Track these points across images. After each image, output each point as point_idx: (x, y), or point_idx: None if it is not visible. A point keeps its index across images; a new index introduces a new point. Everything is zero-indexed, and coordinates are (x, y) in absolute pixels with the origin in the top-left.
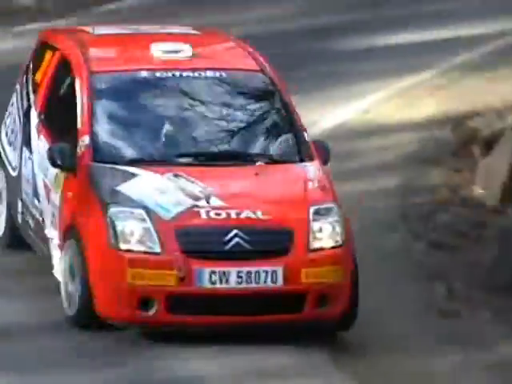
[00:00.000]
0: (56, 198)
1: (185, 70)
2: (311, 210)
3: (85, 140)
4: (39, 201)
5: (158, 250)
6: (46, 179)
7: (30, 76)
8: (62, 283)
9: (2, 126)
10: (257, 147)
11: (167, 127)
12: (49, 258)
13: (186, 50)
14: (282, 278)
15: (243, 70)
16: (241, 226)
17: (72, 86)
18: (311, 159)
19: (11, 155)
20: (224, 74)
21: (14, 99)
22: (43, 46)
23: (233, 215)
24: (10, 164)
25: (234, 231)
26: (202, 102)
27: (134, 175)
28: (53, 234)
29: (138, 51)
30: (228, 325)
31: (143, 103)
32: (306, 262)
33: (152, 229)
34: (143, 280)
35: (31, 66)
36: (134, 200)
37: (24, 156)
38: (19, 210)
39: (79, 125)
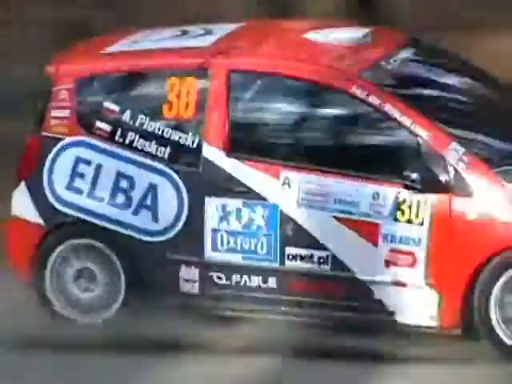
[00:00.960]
0: (415, 229)
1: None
2: None
3: (456, 149)
4: (321, 248)
5: None
6: (354, 216)
7: (132, 119)
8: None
9: (62, 193)
10: None
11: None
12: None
13: (361, 35)
14: None
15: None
16: None
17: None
18: None
19: (134, 218)
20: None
21: (90, 156)
22: (127, 78)
23: None
24: (133, 228)
25: None
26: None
27: None
28: (407, 274)
29: (319, 44)
30: None
31: (422, 94)
32: None
33: None
34: None
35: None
36: None
37: (212, 210)
38: (189, 277)
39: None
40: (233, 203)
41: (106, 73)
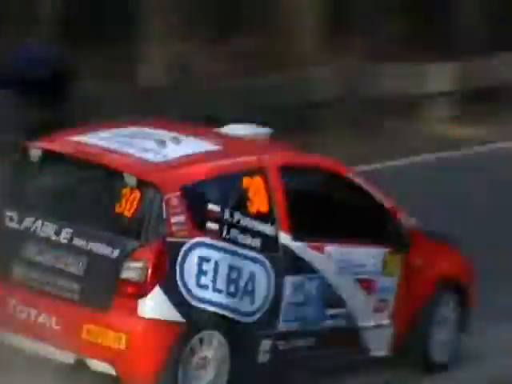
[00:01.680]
0: (390, 281)
1: None
2: None
3: (407, 219)
4: (340, 305)
5: None
6: (362, 276)
7: (230, 215)
8: None
9: (198, 293)
10: None
11: None
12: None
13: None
14: None
15: None
16: None
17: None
18: None
19: (229, 300)
20: None
21: (208, 254)
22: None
23: None
24: (232, 310)
25: None
26: None
27: None
28: (384, 318)
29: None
30: None
31: None
32: None
33: None
34: None
35: (207, 208)
36: None
37: (290, 286)
38: (265, 349)
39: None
40: (300, 279)
41: (202, 178)
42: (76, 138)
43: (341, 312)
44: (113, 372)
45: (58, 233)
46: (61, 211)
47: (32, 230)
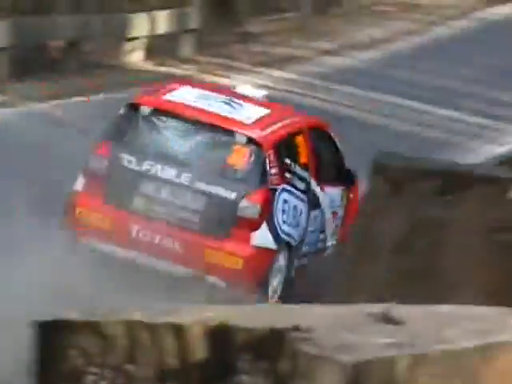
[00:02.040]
0: (342, 212)
1: None
2: None
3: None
4: (324, 231)
5: None
6: (333, 209)
7: (293, 166)
8: None
9: (282, 227)
10: None
11: None
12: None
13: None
14: None
15: None
16: None
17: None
18: None
19: (293, 231)
20: None
21: (287, 197)
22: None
23: None
24: (293, 239)
25: None
26: None
27: None
28: (332, 239)
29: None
30: None
31: None
32: None
33: None
34: None
35: (285, 161)
36: None
37: (311, 219)
38: (295, 266)
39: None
40: (315, 213)
41: (281, 137)
42: (169, 98)
43: (323, 237)
44: (224, 285)
45: (178, 176)
46: (179, 159)
47: (152, 172)
